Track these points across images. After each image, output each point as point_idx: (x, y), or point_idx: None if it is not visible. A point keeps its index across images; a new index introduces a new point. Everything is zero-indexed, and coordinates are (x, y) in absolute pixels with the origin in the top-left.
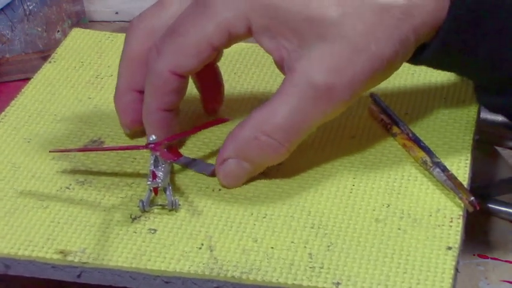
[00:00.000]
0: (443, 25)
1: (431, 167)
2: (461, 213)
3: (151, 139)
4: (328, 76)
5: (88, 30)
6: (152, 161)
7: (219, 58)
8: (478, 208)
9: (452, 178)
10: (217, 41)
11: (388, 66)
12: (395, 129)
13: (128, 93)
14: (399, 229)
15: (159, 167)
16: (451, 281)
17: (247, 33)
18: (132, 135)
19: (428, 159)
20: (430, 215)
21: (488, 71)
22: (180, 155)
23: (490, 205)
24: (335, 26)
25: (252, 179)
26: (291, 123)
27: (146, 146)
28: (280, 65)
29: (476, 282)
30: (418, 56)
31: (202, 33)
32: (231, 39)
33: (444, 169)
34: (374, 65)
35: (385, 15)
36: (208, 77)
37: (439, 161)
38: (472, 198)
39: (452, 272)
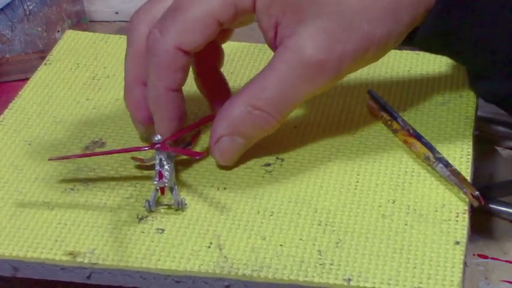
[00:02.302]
0: (434, 5)
1: (434, 162)
2: (466, 208)
3: (156, 139)
4: (319, 52)
5: (82, 32)
6: (158, 161)
7: (226, 39)
8: (483, 203)
9: (455, 173)
10: (223, 16)
11: (380, 47)
12: (395, 126)
13: (138, 87)
14: (406, 225)
15: (165, 166)
16: (460, 275)
17: (253, 9)
18: (133, 136)
19: (430, 154)
20: (436, 210)
21: (480, 52)
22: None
23: (490, 205)
24: (334, 4)
25: (255, 177)
26: (281, 97)
27: (152, 147)
28: (272, 45)
29: (476, 282)
30: (411, 39)
31: (207, 8)
32: (237, 14)
33: (447, 164)
34: (365, 44)
35: None
36: (215, 84)
37: (441, 156)
38: (477, 192)
39: (461, 266)
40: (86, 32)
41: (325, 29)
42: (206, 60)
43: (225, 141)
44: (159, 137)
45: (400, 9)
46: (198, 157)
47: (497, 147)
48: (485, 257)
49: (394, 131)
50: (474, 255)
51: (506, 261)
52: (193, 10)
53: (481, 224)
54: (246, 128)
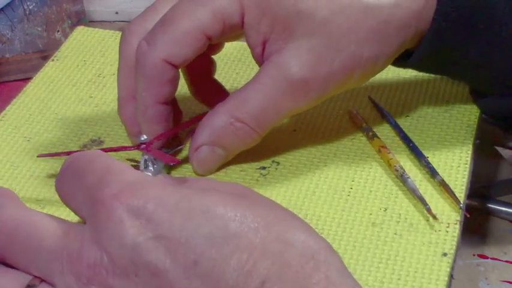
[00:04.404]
0: (431, 25)
1: (407, 176)
2: (458, 218)
3: (142, 139)
4: (304, 70)
5: (92, 28)
6: (142, 162)
7: (217, 52)
8: (468, 215)
9: (443, 184)
10: (212, 31)
11: (367, 68)
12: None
13: (131, 102)
14: (395, 234)
15: (150, 168)
16: (445, 287)
17: (241, 25)
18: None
19: (400, 166)
20: (427, 220)
21: (479, 71)
22: (177, 160)
23: (490, 205)
24: (323, 23)
25: (249, 180)
26: (263, 111)
27: (138, 147)
28: (259, 60)
29: (476, 282)
30: (407, 60)
31: (196, 22)
32: (225, 29)
33: (435, 174)
34: (351, 64)
35: (369, 16)
36: (211, 91)
37: (431, 165)
38: (461, 204)
39: (446, 279)
40: (97, 29)
41: (312, 48)
42: (198, 71)
43: (205, 151)
44: (145, 137)
45: (389, 32)
46: (171, 164)
47: (497, 147)
48: (485, 257)
49: (371, 138)
50: (474, 255)
51: (506, 261)
52: (182, 24)
53: (481, 224)
54: (227, 139)
